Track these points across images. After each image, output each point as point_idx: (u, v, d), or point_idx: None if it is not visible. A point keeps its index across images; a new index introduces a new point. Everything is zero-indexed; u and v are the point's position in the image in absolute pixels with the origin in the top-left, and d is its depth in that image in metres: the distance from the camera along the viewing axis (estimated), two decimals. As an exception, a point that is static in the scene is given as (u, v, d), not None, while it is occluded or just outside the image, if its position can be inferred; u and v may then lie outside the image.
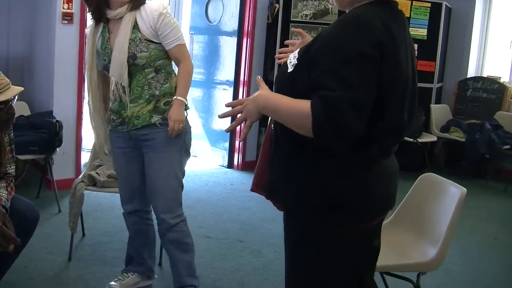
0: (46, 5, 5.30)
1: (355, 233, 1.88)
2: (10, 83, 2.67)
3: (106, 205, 4.82)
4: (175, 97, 2.93)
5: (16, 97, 2.72)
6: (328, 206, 1.81)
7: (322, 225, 1.85)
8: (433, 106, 7.09)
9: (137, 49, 2.88)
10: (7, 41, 5.85)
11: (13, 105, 2.72)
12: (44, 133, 4.66)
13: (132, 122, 2.97)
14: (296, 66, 1.78)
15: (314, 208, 1.83)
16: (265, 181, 2.01)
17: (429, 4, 6.94)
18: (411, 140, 6.49)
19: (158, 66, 2.96)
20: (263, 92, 1.86)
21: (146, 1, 2.97)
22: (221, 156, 6.77)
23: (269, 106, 1.80)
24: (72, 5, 5.03)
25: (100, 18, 2.95)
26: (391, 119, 1.77)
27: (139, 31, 2.90)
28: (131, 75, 2.92)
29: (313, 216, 1.85)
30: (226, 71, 6.66)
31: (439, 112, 7.17)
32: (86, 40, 3.09)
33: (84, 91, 5.31)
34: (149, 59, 2.91)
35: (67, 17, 5.03)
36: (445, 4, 7.03)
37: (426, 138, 6.83)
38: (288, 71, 1.81)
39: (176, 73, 3.02)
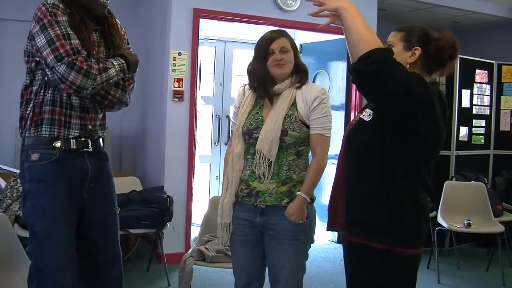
0: (157, 84, 5.54)
1: (409, 256, 2.22)
2: None
3: (215, 280, 4.76)
4: (299, 192, 2.81)
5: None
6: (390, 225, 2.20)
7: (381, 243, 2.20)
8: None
9: (290, 127, 2.80)
10: (121, 120, 6.12)
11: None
12: (155, 208, 4.73)
13: (263, 197, 2.83)
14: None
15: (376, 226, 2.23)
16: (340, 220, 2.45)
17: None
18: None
19: (300, 151, 2.86)
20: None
21: (309, 82, 2.95)
22: (331, 231, 6.56)
23: (351, 9, 2.24)
24: (182, 84, 5.22)
25: (264, 93, 2.90)
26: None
27: (297, 109, 2.85)
28: None
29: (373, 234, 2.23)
30: (335, 147, 6.51)
31: None
32: (238, 104, 3.01)
33: (193, 167, 5.42)
34: (297, 141, 2.82)
35: (178, 95, 5.21)
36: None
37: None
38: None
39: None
